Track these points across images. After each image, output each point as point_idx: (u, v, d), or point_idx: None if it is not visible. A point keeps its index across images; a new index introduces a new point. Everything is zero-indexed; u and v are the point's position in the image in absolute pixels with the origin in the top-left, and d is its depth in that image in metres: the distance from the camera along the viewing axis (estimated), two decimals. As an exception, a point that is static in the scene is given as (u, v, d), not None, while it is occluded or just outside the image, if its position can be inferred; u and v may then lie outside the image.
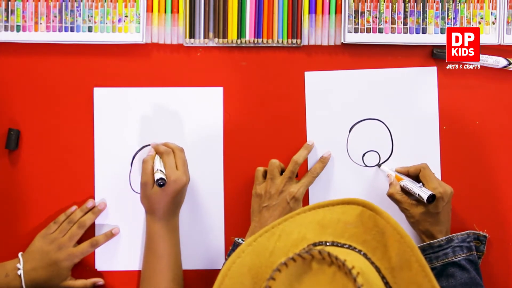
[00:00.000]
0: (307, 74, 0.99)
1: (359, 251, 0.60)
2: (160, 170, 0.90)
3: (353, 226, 0.61)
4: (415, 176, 0.94)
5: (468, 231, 0.92)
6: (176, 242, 0.94)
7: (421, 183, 0.91)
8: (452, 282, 0.88)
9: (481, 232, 0.94)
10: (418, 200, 0.90)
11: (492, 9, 0.98)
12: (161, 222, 0.92)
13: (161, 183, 0.88)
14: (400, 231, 0.59)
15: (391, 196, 0.93)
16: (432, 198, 0.87)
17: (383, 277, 0.58)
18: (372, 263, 0.59)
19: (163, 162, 0.92)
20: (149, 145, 0.98)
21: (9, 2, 0.97)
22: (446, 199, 0.89)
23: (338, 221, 0.62)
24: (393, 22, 0.98)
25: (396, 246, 0.59)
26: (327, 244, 0.60)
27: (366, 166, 0.98)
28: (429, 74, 0.99)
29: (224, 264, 0.61)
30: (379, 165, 0.98)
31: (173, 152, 0.93)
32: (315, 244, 0.61)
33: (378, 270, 0.58)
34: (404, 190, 0.92)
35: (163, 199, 0.91)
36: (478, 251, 0.93)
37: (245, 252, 0.62)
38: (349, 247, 0.60)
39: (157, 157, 0.93)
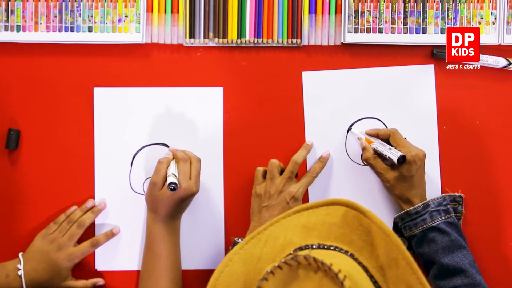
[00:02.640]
0: (305, 74, 0.99)
1: (346, 252, 0.60)
2: (174, 175, 0.89)
3: (338, 227, 0.61)
4: (385, 140, 0.95)
5: (443, 194, 0.93)
6: (176, 243, 0.94)
7: (392, 147, 0.92)
8: (433, 247, 0.89)
9: (456, 193, 0.95)
10: (392, 164, 0.91)
11: (492, 9, 0.98)
12: (161, 223, 0.92)
13: (172, 188, 0.87)
14: (385, 229, 0.59)
15: (366, 160, 0.94)
16: (402, 159, 0.89)
17: (371, 277, 0.58)
18: (360, 263, 0.59)
19: (178, 168, 0.91)
20: (149, 145, 0.98)
21: (9, 2, 0.97)
22: (419, 162, 0.90)
23: (323, 223, 0.62)
24: (393, 22, 0.98)
25: (382, 244, 0.59)
26: (313, 247, 0.60)
27: (365, 165, 0.98)
28: (426, 72, 0.99)
29: (212, 274, 0.61)
30: (349, 128, 0.98)
31: (190, 161, 0.93)
32: (301, 248, 0.60)
33: (366, 269, 0.58)
34: (377, 154, 0.93)
35: (169, 202, 0.90)
36: (457, 212, 0.94)
37: (233, 261, 0.61)
38: (336, 248, 0.60)
39: (172, 162, 0.93)
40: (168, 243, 0.92)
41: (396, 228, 0.95)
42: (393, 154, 0.89)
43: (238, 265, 0.61)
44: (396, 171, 0.91)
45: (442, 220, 0.89)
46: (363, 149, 0.95)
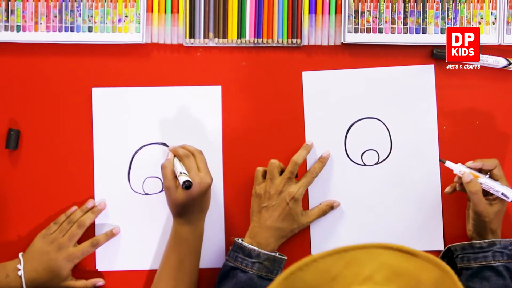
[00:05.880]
0: (305, 74, 0.99)
1: None
2: (183, 173, 0.87)
3: None
4: (487, 172, 0.91)
5: (511, 239, 0.90)
6: (199, 248, 0.93)
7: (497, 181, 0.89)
8: (485, 285, 0.87)
9: None
10: (493, 198, 0.89)
11: (492, 9, 0.98)
12: (188, 226, 0.90)
13: (188, 185, 0.85)
14: None
15: (471, 194, 0.88)
16: None
17: None
18: None
19: (184, 166, 0.90)
20: (148, 144, 0.98)
21: (9, 2, 0.97)
22: None
23: (412, 275, 0.57)
24: (393, 22, 0.98)
25: None
26: None
27: (365, 165, 0.98)
28: (426, 72, 0.99)
29: (282, 271, 0.58)
30: (443, 161, 0.93)
31: (193, 155, 0.92)
32: None
33: None
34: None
35: (190, 202, 0.89)
36: None
37: (308, 266, 0.57)
38: None
39: (176, 160, 0.91)
40: (192, 247, 0.91)
41: (446, 254, 0.93)
42: (509, 190, 0.87)
43: (310, 274, 0.57)
44: (498, 206, 0.88)
45: (502, 262, 0.87)
46: (468, 183, 0.88)
